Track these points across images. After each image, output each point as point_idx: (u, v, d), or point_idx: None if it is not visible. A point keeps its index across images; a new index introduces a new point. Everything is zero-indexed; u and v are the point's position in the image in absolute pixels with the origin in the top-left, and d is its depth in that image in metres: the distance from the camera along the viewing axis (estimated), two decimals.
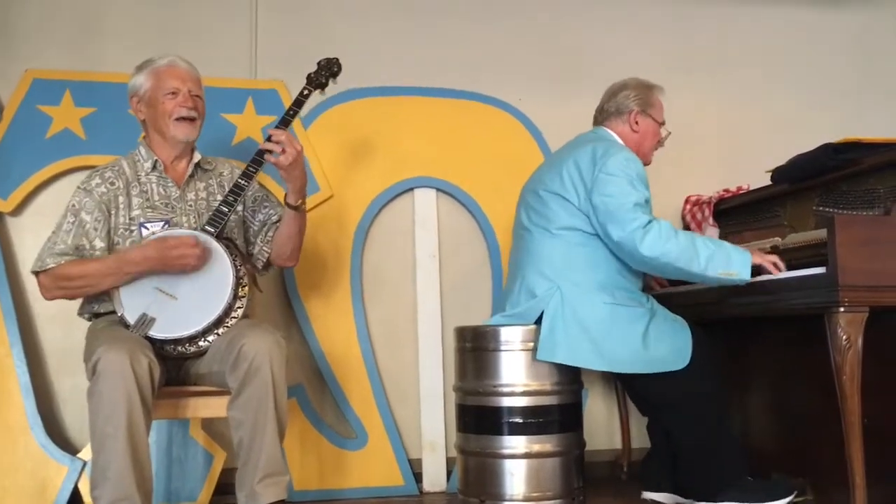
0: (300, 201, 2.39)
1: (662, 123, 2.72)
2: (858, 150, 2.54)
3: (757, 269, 2.38)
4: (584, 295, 2.45)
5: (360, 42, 3.25)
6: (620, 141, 2.65)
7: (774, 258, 2.38)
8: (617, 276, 2.51)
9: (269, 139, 2.31)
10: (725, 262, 2.35)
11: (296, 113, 2.51)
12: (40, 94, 2.93)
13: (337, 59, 2.61)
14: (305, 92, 2.57)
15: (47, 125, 2.92)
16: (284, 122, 2.44)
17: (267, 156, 2.32)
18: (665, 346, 2.42)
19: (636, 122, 2.67)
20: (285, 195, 2.40)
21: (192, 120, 2.40)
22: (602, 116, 2.73)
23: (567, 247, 2.51)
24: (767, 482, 2.47)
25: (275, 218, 2.51)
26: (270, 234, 2.50)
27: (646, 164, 2.66)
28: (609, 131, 2.69)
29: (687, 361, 2.40)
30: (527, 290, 2.57)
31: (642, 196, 2.45)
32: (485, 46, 3.38)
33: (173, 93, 2.38)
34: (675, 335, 2.45)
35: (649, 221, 2.40)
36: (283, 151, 2.29)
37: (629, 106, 2.67)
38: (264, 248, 2.51)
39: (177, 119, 2.38)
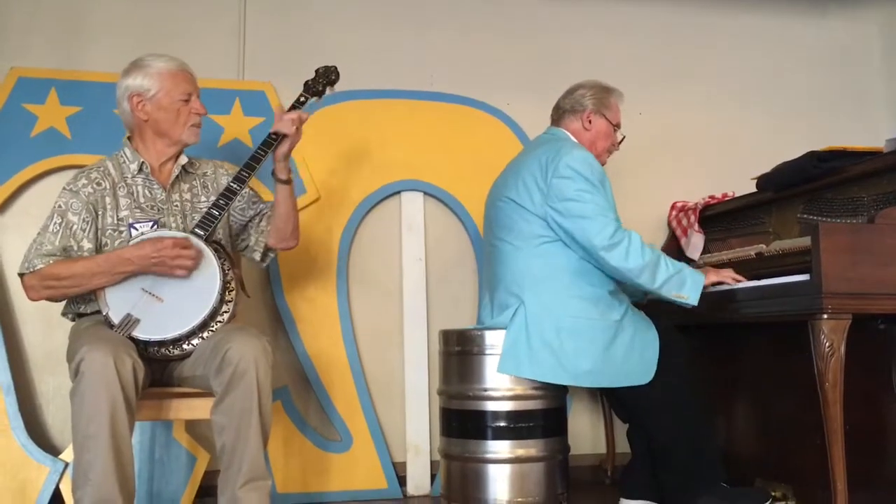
0: (290, 173, 2.45)
1: (617, 126, 2.71)
2: (843, 159, 2.56)
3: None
4: (546, 308, 2.44)
5: (349, 44, 3.25)
6: (574, 139, 2.65)
7: (730, 272, 2.49)
8: (581, 285, 2.47)
9: (278, 126, 2.39)
10: (679, 285, 2.42)
11: None
12: (25, 92, 2.91)
13: (335, 68, 2.61)
14: (302, 99, 2.55)
15: (32, 124, 2.91)
16: (276, 132, 2.43)
17: (283, 128, 2.38)
18: (630, 359, 2.40)
19: (589, 121, 2.66)
20: (273, 172, 2.43)
21: (200, 125, 2.45)
22: (557, 115, 2.73)
23: (529, 258, 2.50)
24: (742, 489, 2.48)
25: (265, 210, 2.54)
26: (263, 223, 2.53)
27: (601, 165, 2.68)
28: (563, 130, 2.69)
29: (652, 376, 2.39)
30: (495, 305, 2.58)
31: (602, 196, 2.45)
32: (473, 51, 3.39)
33: (186, 99, 2.40)
34: (641, 349, 2.42)
35: (617, 231, 2.40)
36: (297, 130, 2.39)
37: (584, 104, 2.67)
38: (260, 238, 2.53)
39: (192, 125, 2.41)
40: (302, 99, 2.55)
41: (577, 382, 2.44)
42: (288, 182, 2.44)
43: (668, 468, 2.47)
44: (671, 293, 2.41)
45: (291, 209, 2.48)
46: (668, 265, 2.42)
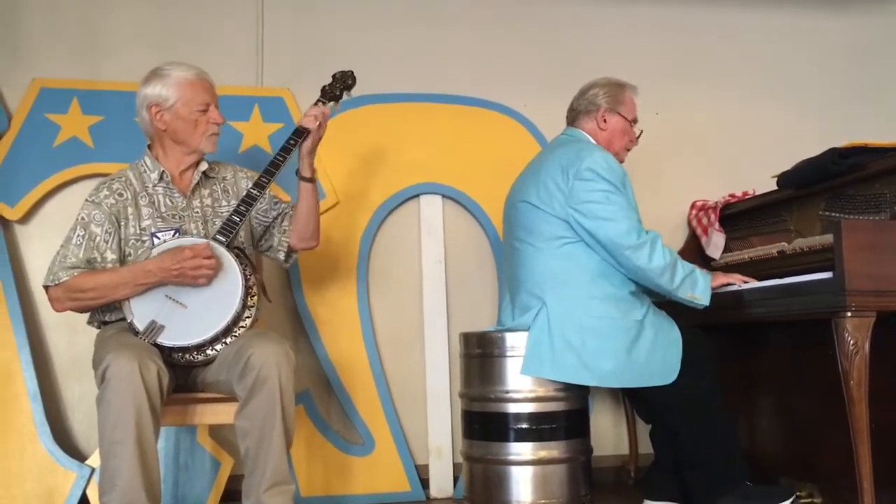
0: (314, 171, 2.47)
1: (634, 121, 2.70)
2: (865, 155, 2.53)
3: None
4: (568, 309, 2.43)
5: (367, 49, 3.26)
6: (592, 140, 2.64)
7: (738, 275, 2.53)
8: (603, 286, 2.46)
9: (301, 121, 2.43)
10: (692, 286, 2.45)
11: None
12: (48, 102, 2.95)
13: (352, 72, 2.63)
14: (319, 104, 2.57)
15: (55, 133, 2.94)
16: (298, 133, 2.44)
17: (308, 122, 2.41)
18: (653, 359, 2.39)
19: (604, 120, 2.65)
20: (297, 170, 2.45)
21: (218, 134, 2.45)
22: (572, 115, 2.73)
23: (550, 259, 2.50)
24: (765, 487, 2.46)
25: (287, 209, 2.56)
26: (286, 223, 2.54)
27: (620, 163, 2.67)
28: (580, 131, 2.68)
29: (675, 376, 2.38)
30: (516, 306, 2.58)
31: (624, 197, 2.45)
32: (490, 53, 3.39)
33: (204, 109, 2.40)
34: (665, 348, 2.41)
35: (640, 232, 2.41)
36: (320, 126, 2.41)
37: (598, 104, 2.66)
38: (283, 238, 2.55)
39: (210, 135, 2.42)
40: (320, 104, 2.57)
41: (601, 383, 2.44)
42: (312, 180, 2.46)
43: (692, 467, 2.46)
44: (686, 294, 2.44)
45: (313, 208, 2.50)
46: (683, 266, 2.45)
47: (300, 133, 2.43)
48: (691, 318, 2.57)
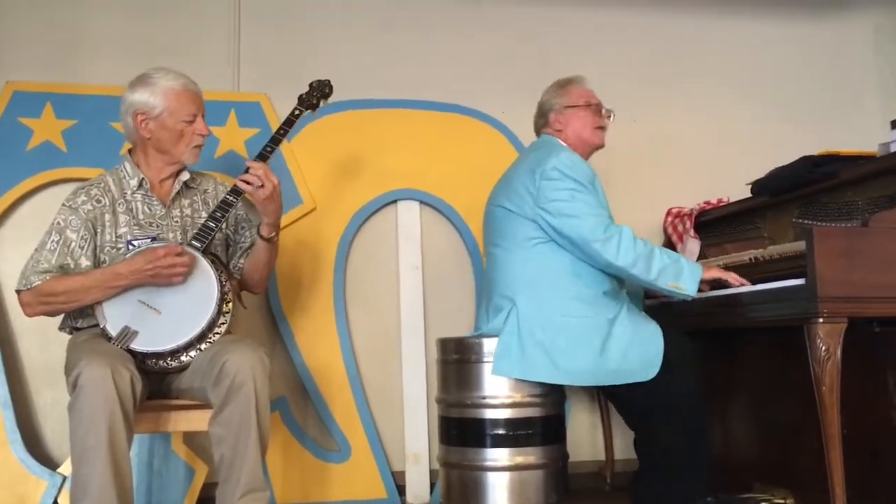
0: (273, 234, 2.39)
1: (587, 104, 2.70)
2: (837, 163, 2.57)
3: (720, 283, 2.48)
4: (538, 308, 2.45)
5: (344, 55, 3.26)
6: (561, 142, 2.67)
7: (735, 275, 2.47)
8: (576, 285, 2.47)
9: (246, 171, 2.31)
10: (675, 275, 2.41)
11: (286, 132, 2.50)
12: (21, 106, 2.92)
13: (329, 81, 2.62)
14: (297, 112, 2.56)
15: (28, 138, 2.91)
16: (275, 141, 2.43)
17: (241, 185, 2.31)
18: (629, 357, 2.38)
19: (559, 122, 2.70)
20: (259, 226, 2.39)
21: (202, 145, 2.42)
22: (536, 129, 2.80)
23: (521, 261, 2.51)
24: (733, 497, 2.47)
25: (247, 244, 2.51)
26: (243, 261, 2.49)
27: (598, 147, 2.69)
28: (549, 136, 2.72)
29: (655, 372, 2.36)
30: (490, 310, 2.60)
31: (592, 195, 2.47)
32: (467, 59, 3.40)
33: (191, 120, 2.36)
34: (641, 346, 2.39)
35: (608, 227, 2.41)
36: (262, 186, 2.29)
37: (547, 109, 2.72)
38: (233, 272, 2.49)
39: (194, 146, 2.38)
40: (297, 112, 2.56)
41: (573, 382, 2.44)
42: (269, 241, 2.39)
43: (664, 472, 2.44)
44: (667, 284, 2.41)
45: (264, 264, 2.45)
46: (663, 256, 2.43)
47: (237, 192, 2.35)
48: (669, 323, 2.58)
